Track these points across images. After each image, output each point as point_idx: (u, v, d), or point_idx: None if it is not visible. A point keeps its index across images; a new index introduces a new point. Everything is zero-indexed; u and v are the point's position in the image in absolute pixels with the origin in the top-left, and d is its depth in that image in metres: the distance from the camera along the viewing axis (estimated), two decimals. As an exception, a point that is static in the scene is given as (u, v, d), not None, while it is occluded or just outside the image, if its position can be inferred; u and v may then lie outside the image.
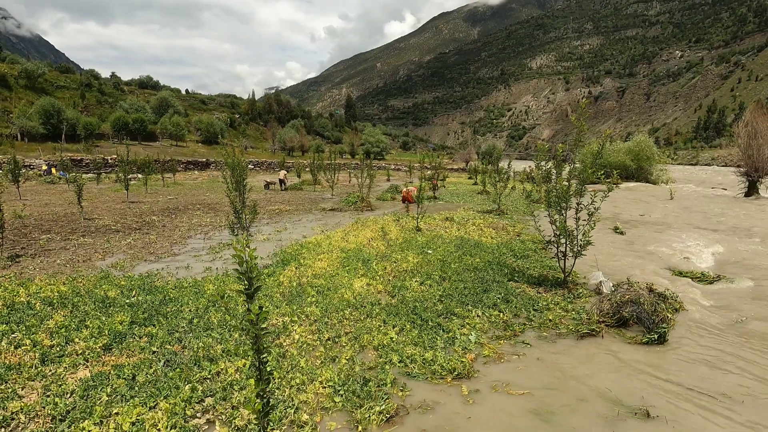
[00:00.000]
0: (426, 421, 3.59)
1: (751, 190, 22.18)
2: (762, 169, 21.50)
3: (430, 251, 9.15)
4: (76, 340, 4.69)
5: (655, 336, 5.07)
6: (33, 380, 3.95)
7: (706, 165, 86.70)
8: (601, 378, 4.29)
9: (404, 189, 19.99)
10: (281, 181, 25.52)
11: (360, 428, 3.43)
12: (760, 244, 10.52)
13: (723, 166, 71.49)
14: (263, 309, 2.28)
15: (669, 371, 4.45)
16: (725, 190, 26.01)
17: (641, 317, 5.45)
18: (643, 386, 4.14)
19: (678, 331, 5.39)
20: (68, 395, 3.74)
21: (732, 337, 5.30)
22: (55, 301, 5.81)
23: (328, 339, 4.99)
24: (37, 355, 4.34)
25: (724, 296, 6.80)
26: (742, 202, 19.79)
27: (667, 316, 5.54)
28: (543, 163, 7.43)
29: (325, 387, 3.98)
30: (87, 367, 4.22)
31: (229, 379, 4.03)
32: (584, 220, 6.74)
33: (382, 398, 3.82)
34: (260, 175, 38.76)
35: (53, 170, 28.95)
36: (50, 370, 4.11)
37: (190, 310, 5.67)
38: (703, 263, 8.88)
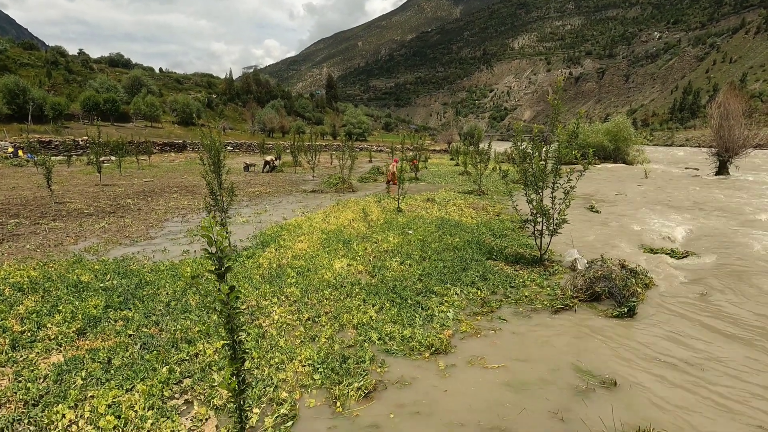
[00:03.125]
0: (403, 395, 3.67)
1: (722, 170, 22.92)
2: (732, 149, 22.17)
3: (410, 231, 9.21)
4: (49, 325, 4.59)
5: (625, 309, 5.26)
6: (3, 366, 3.86)
7: (680, 146, 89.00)
8: (573, 350, 4.44)
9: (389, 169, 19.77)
10: (266, 163, 25.10)
11: (338, 404, 3.48)
12: (727, 220, 10.93)
13: (696, 146, 73.44)
14: (235, 288, 2.26)
15: (637, 342, 4.64)
16: (697, 170, 26.79)
17: (613, 292, 5.64)
18: (612, 357, 4.32)
19: (647, 305, 5.61)
20: (41, 380, 3.67)
21: (697, 309, 5.54)
22: (25, 286, 5.64)
23: (308, 319, 5.01)
24: (7, 341, 4.23)
25: (692, 271, 7.08)
26: (713, 182, 20.46)
27: (637, 291, 5.75)
28: (520, 143, 7.49)
29: (304, 365, 4.01)
30: (60, 351, 4.14)
31: (207, 360, 4.02)
32: (560, 199, 6.86)
33: (361, 375, 3.88)
34: (240, 156, 37.98)
35: (20, 152, 27.75)
36: (21, 356, 4.03)
37: (167, 293, 5.60)
38: (673, 240, 9.20)
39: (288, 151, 31.49)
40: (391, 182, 17.98)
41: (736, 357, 4.35)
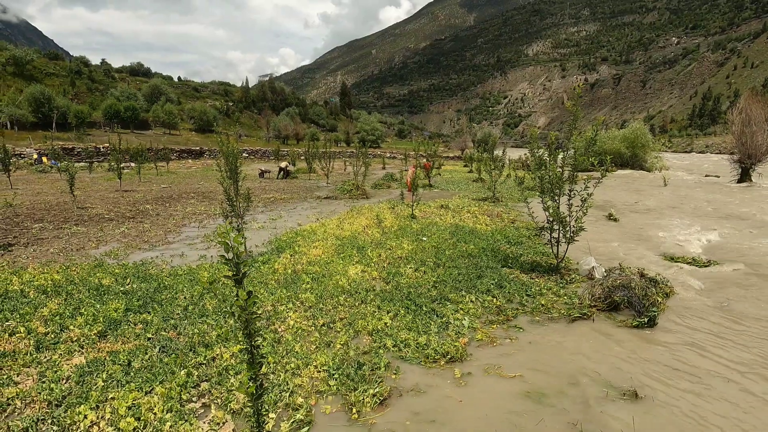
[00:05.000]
0: (418, 403, 3.65)
1: (744, 177, 22.32)
2: (755, 156, 21.60)
3: (424, 238, 9.19)
4: (71, 327, 4.70)
5: (645, 319, 5.15)
6: (28, 367, 3.97)
7: (700, 152, 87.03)
8: (591, 361, 4.36)
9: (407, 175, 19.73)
10: (281, 170, 25.36)
11: (354, 410, 3.48)
12: (750, 229, 10.63)
13: (717, 153, 71.79)
14: (252, 294, 2.29)
15: (657, 353, 4.53)
16: (718, 177, 26.17)
17: (632, 301, 5.53)
18: (632, 368, 4.22)
19: (668, 315, 5.48)
20: (64, 381, 3.76)
21: (719, 319, 5.39)
22: (48, 289, 5.80)
23: (323, 324, 5.03)
24: (31, 342, 4.35)
25: (714, 280, 6.90)
26: (734, 189, 19.95)
27: (658, 300, 5.63)
28: (536, 150, 7.43)
29: (319, 371, 4.02)
30: (82, 353, 4.24)
31: (224, 364, 4.06)
32: (577, 206, 6.77)
33: (376, 381, 3.87)
34: (255, 163, 38.50)
35: (44, 159, 28.61)
36: (45, 357, 4.13)
37: (185, 297, 5.69)
38: (694, 248, 8.98)
39: (302, 157, 31.80)
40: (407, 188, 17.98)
41: (760, 368, 4.21)
